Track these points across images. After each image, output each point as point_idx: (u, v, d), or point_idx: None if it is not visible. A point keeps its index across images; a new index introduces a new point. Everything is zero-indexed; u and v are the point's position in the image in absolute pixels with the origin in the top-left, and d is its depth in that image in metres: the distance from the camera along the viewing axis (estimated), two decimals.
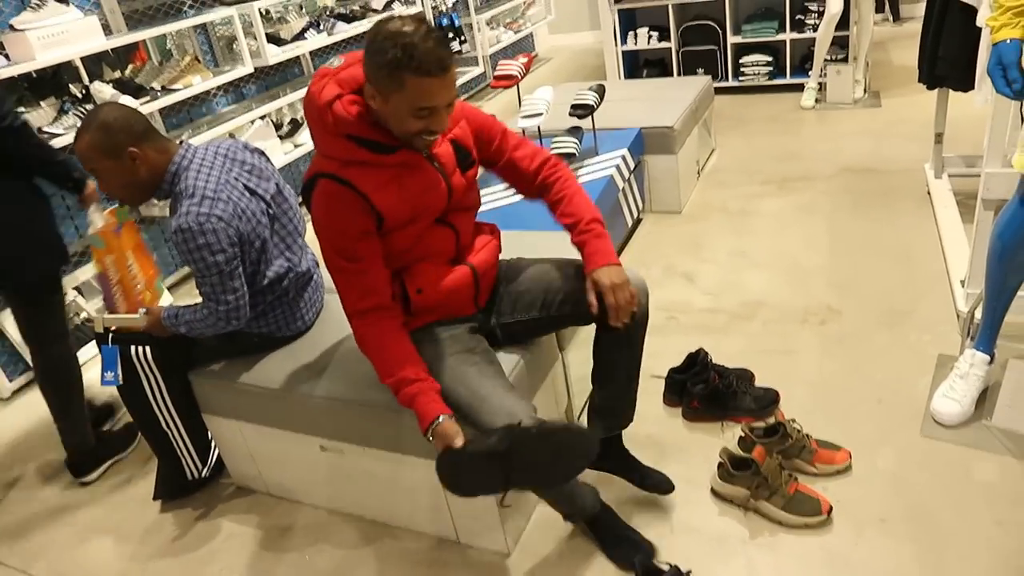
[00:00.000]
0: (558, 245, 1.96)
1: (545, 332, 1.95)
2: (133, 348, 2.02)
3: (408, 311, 1.72)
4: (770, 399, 2.22)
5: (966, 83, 2.96)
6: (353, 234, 1.58)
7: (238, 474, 2.30)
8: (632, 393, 1.91)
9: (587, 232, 1.73)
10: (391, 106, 1.48)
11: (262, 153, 2.09)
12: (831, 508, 1.82)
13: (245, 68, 3.95)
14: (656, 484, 1.96)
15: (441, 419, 1.52)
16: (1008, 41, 1.72)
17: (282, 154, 4.19)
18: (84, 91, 3.25)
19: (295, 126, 4.39)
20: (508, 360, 1.84)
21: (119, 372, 2.02)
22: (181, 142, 1.94)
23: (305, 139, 4.32)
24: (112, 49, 3.43)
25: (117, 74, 3.56)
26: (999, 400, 2.01)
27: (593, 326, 1.79)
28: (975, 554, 1.70)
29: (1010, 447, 1.96)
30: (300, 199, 1.70)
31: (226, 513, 2.23)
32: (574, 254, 1.76)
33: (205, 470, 2.25)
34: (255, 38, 4.04)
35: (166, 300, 2.36)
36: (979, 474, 1.90)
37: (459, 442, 1.49)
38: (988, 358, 2.09)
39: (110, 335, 2.02)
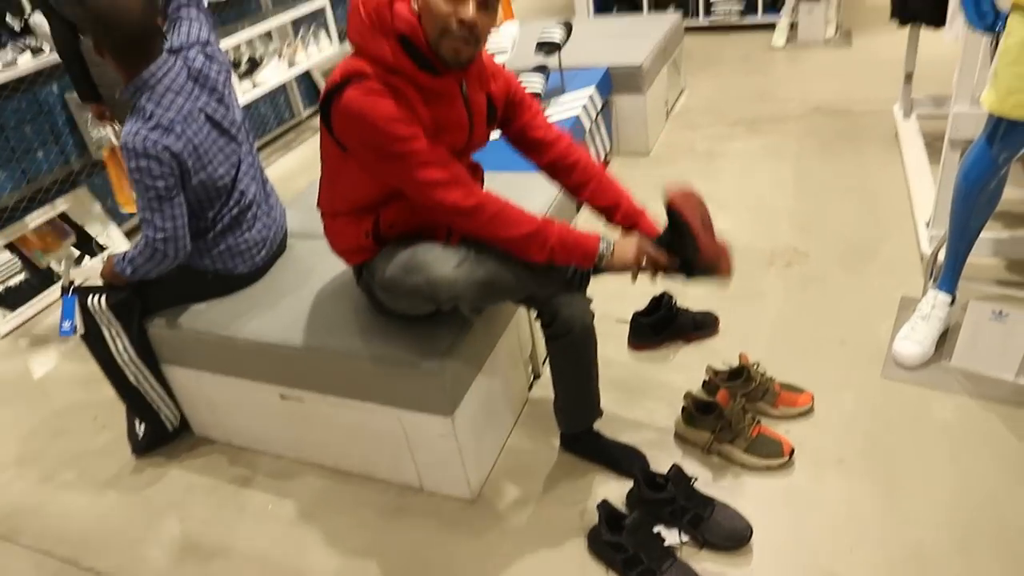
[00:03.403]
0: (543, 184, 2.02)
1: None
2: (91, 297, 1.97)
3: (378, 242, 1.69)
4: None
5: (938, 18, 2.91)
6: (404, 116, 1.48)
7: (198, 424, 2.25)
8: (588, 397, 1.89)
9: (636, 212, 1.76)
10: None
11: (228, 70, 2.01)
12: (792, 450, 1.84)
13: None
14: (630, 467, 1.88)
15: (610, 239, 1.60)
16: None
17: (240, 94, 4.03)
18: (23, 24, 3.08)
19: (253, 65, 4.22)
20: None
21: (76, 322, 1.98)
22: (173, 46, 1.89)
23: (264, 78, 4.16)
24: None
25: None
26: (959, 341, 2.02)
27: None
28: (928, 491, 1.73)
29: (968, 387, 1.99)
30: (318, 110, 1.61)
31: (187, 464, 2.19)
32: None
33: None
34: None
35: None
36: (937, 413, 1.93)
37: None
38: (950, 299, 2.10)
39: (72, 286, 1.99)
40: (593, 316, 1.75)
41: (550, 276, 1.67)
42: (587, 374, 1.83)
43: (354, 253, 1.75)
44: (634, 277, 1.64)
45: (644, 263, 1.62)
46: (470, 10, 1.43)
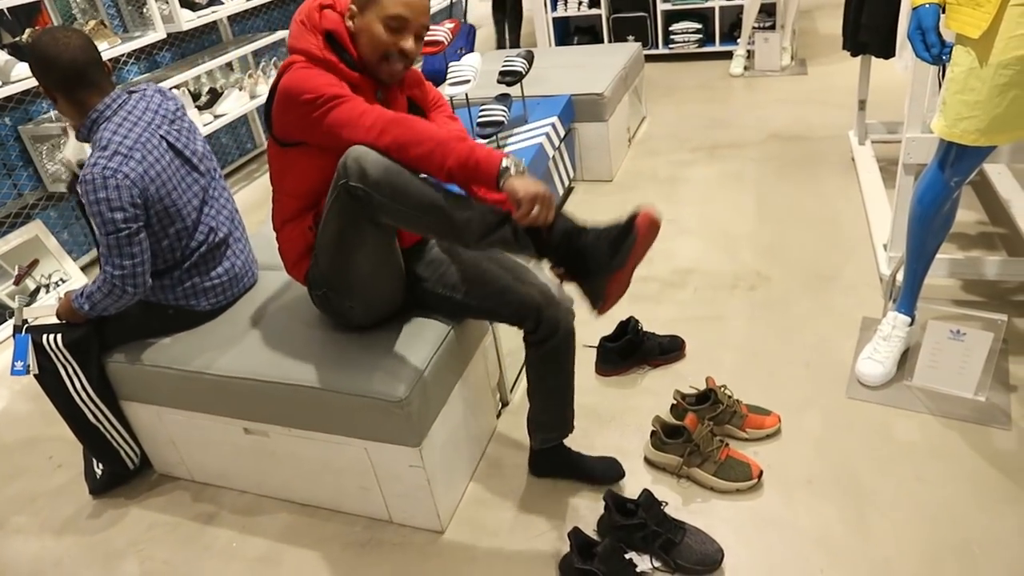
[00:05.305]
0: None
1: (460, 317, 1.88)
2: (45, 336, 1.91)
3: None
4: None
5: (888, 50, 3.00)
6: (333, 79, 1.61)
7: (160, 461, 2.19)
8: (565, 408, 1.89)
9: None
10: (366, 20, 1.61)
11: (183, 107, 2.00)
12: (761, 472, 1.85)
13: (157, 34, 3.74)
14: (605, 475, 1.92)
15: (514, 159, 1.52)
16: (927, 5, 1.74)
17: (201, 125, 4.00)
18: None
19: (214, 96, 4.19)
20: (438, 329, 1.81)
21: (30, 362, 1.92)
22: (128, 88, 1.87)
23: (225, 109, 4.13)
24: (8, 10, 3.20)
25: (17, 38, 3.32)
26: (919, 360, 2.06)
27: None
28: (896, 509, 1.75)
29: (929, 405, 2.02)
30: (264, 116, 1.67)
31: (148, 503, 2.13)
32: None
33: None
34: (167, 1, 3.82)
35: None
36: (901, 433, 1.96)
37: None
38: (909, 320, 2.14)
39: (25, 325, 1.94)
40: (574, 317, 1.77)
41: (467, 200, 1.61)
42: (568, 381, 1.85)
43: (303, 258, 1.78)
44: (526, 212, 1.47)
45: (547, 201, 1.48)
46: (410, 43, 1.64)
